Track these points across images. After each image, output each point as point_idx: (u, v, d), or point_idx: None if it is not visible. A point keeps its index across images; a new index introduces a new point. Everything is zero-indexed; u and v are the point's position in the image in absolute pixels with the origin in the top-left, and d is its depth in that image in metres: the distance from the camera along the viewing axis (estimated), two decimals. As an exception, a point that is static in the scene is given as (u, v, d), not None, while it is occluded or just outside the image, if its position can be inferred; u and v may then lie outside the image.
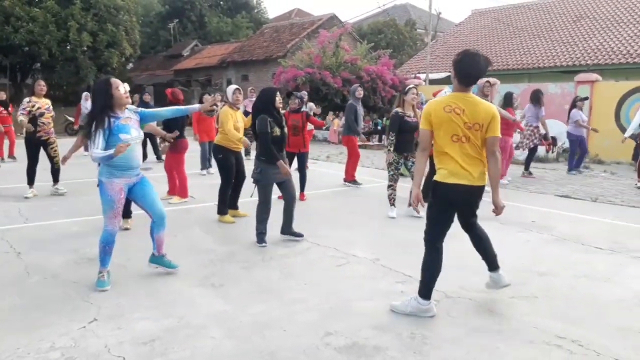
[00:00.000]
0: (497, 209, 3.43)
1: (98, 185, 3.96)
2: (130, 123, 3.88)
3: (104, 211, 3.91)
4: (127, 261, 4.54)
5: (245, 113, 11.95)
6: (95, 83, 4.05)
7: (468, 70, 3.27)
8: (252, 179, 5.16)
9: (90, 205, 6.68)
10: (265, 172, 5.02)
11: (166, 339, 3.09)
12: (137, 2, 30.08)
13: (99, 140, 3.69)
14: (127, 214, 5.65)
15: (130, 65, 34.70)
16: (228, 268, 4.42)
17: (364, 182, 8.89)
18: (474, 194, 3.37)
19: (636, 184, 8.85)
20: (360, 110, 8.80)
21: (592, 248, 5.12)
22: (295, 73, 18.15)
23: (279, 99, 5.12)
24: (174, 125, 6.81)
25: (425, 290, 3.43)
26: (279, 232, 5.32)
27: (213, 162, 8.69)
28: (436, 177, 3.36)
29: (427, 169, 7.81)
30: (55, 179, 7.75)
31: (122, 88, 3.85)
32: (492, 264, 3.66)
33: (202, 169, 10.16)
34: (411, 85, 6.60)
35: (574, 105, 10.49)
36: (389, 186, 6.48)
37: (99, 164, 4.00)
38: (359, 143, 9.05)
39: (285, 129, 5.24)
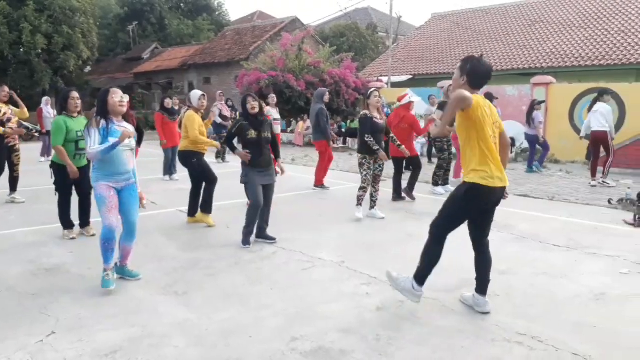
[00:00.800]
0: None
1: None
2: (123, 130, 3.99)
3: (98, 209, 3.97)
4: (87, 270, 4.41)
5: (222, 117, 12.00)
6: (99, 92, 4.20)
7: (482, 72, 3.40)
8: (240, 182, 5.31)
9: (47, 214, 6.45)
10: (249, 175, 5.15)
11: (129, 349, 3.02)
12: (95, 4, 29.29)
13: (95, 137, 3.84)
14: (70, 224, 5.54)
15: (88, 68, 33.76)
16: (192, 275, 4.35)
17: (329, 185, 8.93)
18: (502, 194, 3.48)
19: (590, 183, 9.20)
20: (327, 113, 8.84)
21: (549, 246, 5.29)
22: (258, 76, 18.07)
23: (250, 105, 5.16)
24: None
25: (421, 276, 3.53)
26: (241, 235, 5.24)
27: (179, 167, 8.57)
28: (476, 180, 3.33)
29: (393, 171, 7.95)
30: (13, 188, 7.47)
31: (119, 97, 4.00)
32: (483, 288, 3.61)
33: (164, 174, 9.97)
34: (373, 89, 6.70)
35: (532, 108, 10.86)
36: (361, 187, 6.44)
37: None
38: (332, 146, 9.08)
39: (267, 133, 5.23)
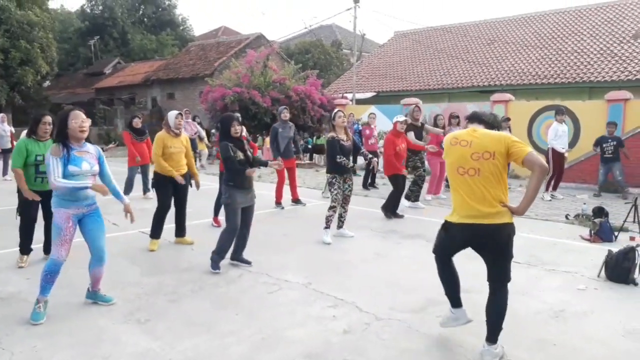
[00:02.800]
0: (515, 212, 3.18)
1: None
2: (85, 156, 3.90)
3: (52, 237, 3.88)
4: (44, 299, 4.25)
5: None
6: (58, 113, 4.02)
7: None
8: (224, 206, 5.15)
9: (3, 238, 6.21)
10: (233, 197, 5.02)
11: (88, 383, 2.92)
12: (54, 18, 28.68)
13: (58, 167, 3.73)
14: (28, 250, 5.32)
15: (47, 83, 32.90)
16: (155, 301, 4.25)
17: (285, 204, 8.91)
18: (482, 233, 3.15)
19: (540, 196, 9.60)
20: (286, 132, 8.70)
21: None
22: (223, 92, 17.98)
23: (234, 128, 5.07)
24: None
25: (451, 299, 3.54)
26: (205, 257, 5.15)
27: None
28: (446, 216, 3.36)
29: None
30: None
31: (79, 121, 3.83)
32: (490, 336, 3.25)
33: (125, 193, 9.71)
34: (337, 109, 6.75)
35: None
36: (331, 207, 6.42)
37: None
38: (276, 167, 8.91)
39: (250, 153, 5.20)
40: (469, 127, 3.35)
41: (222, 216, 7.29)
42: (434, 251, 3.52)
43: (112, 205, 8.59)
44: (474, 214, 3.13)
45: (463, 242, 3.32)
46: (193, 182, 6.27)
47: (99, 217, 4.06)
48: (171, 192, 6.05)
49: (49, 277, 3.84)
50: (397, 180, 7.87)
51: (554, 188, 9.99)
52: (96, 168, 3.98)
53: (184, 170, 6.10)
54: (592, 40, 17.99)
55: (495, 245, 3.20)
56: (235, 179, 5.02)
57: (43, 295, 3.86)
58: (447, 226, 3.34)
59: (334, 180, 6.42)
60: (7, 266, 5.19)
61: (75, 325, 3.75)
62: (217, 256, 5.06)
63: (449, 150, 3.29)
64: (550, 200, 9.63)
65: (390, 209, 7.87)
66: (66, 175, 3.76)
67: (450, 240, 3.38)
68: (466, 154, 3.16)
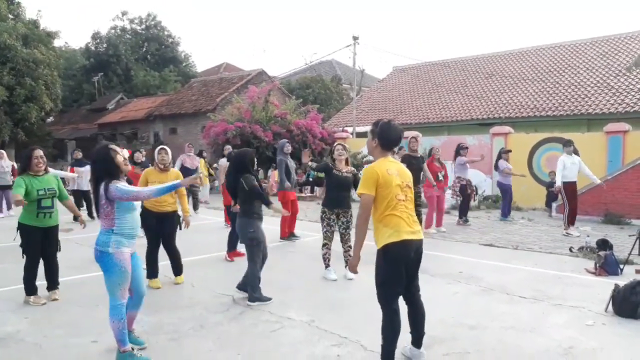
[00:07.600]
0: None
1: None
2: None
3: (116, 285, 3.67)
4: (43, 338, 4.18)
5: (184, 169, 11.48)
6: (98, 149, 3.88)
7: (392, 137, 3.54)
8: (247, 240, 5.16)
9: (4, 275, 6.15)
10: (259, 229, 5.20)
11: None
12: (59, 56, 29.19)
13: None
14: (35, 290, 5.18)
15: (51, 119, 33.28)
16: (156, 340, 4.17)
17: (298, 235, 8.87)
18: (419, 249, 3.50)
19: (564, 233, 9.26)
20: (292, 163, 8.99)
21: (516, 297, 5.34)
22: (225, 127, 18.15)
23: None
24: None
25: (386, 355, 3.43)
26: (207, 294, 5.08)
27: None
28: (383, 241, 3.42)
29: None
30: None
31: (122, 156, 3.84)
32: (418, 342, 3.67)
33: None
34: (337, 143, 6.76)
35: (499, 156, 11.28)
36: (324, 245, 6.27)
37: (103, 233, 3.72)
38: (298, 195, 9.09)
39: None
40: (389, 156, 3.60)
41: (240, 249, 7.25)
42: (383, 300, 3.56)
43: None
44: (413, 233, 3.44)
45: (405, 259, 3.44)
46: (183, 221, 5.95)
47: (137, 256, 3.98)
48: (155, 227, 5.80)
49: (124, 324, 3.69)
50: None
51: (571, 223, 9.34)
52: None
53: (169, 208, 5.82)
54: (588, 73, 18.25)
55: (420, 258, 3.55)
56: (259, 211, 5.22)
57: (126, 345, 3.70)
58: (391, 247, 3.40)
59: (323, 216, 6.27)
60: (6, 305, 5.11)
61: (74, 366, 3.67)
62: (257, 294, 5.11)
63: (389, 179, 3.41)
64: (566, 236, 9.08)
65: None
66: (133, 207, 3.78)
67: (394, 265, 3.45)
68: (399, 183, 3.45)
